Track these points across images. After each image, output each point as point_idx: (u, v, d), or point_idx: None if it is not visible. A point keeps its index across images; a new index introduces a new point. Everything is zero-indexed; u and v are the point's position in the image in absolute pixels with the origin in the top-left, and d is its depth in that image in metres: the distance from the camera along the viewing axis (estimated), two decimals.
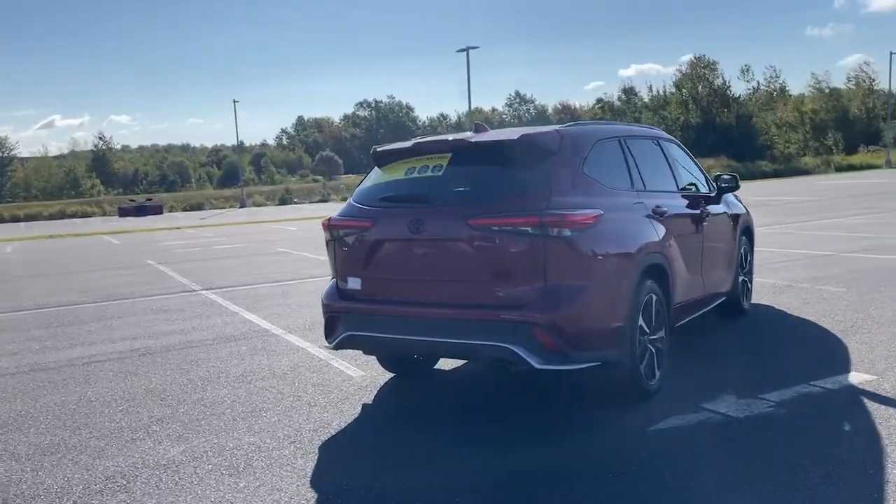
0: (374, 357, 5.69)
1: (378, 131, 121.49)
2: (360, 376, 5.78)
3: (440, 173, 4.64)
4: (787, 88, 70.87)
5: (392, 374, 5.69)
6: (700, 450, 4.03)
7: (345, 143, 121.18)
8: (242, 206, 50.16)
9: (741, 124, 55.68)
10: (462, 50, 34.83)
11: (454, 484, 3.74)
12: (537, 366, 4.12)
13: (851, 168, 47.48)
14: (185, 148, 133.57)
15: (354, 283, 4.87)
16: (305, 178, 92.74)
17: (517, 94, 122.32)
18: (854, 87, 69.85)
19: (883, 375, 5.10)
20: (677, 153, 6.29)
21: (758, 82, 67.20)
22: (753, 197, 23.84)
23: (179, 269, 14.10)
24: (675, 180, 5.91)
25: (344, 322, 4.88)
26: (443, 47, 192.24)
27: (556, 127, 4.79)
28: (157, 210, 46.69)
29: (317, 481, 3.88)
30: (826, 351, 5.84)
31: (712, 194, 6.46)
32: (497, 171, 4.55)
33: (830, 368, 5.32)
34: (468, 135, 4.88)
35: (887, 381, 4.98)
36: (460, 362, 5.89)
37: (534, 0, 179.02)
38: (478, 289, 4.35)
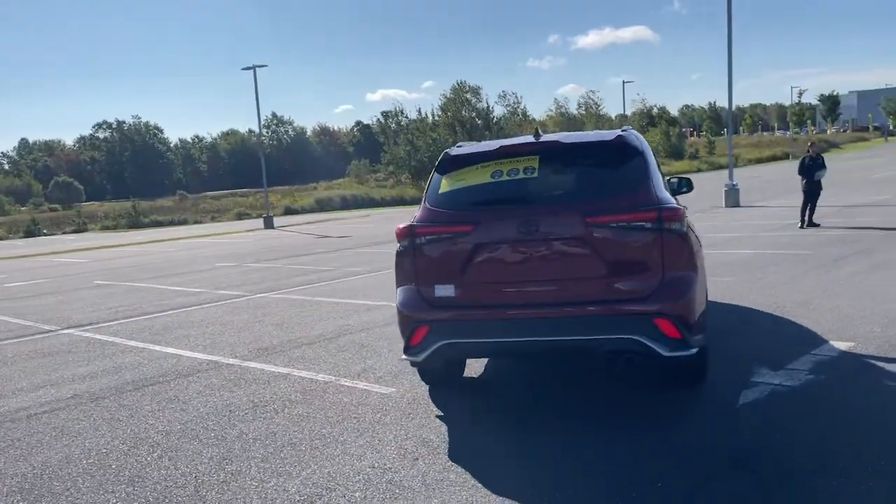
0: (368, 372, 5.48)
1: (123, 154, 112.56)
2: (394, 392, 5.55)
3: (534, 175, 4.66)
4: (528, 113, 77.48)
5: (423, 386, 5.55)
6: (799, 411, 4.49)
7: (83, 168, 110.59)
8: None
9: None
10: (248, 68, 33.63)
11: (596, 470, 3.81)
12: (665, 354, 4.31)
13: None
14: None
15: (446, 291, 4.68)
16: (41, 208, 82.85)
17: (274, 115, 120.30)
18: (584, 113, 78.70)
19: (857, 341, 6.00)
20: None
21: (513, 107, 72.57)
22: None
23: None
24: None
25: (436, 332, 4.66)
26: (196, 66, 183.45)
27: (623, 129, 5.03)
28: None
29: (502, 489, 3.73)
30: (787, 328, 6.70)
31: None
32: (594, 170, 4.69)
33: (811, 342, 6.13)
34: (557, 136, 4.96)
35: (863, 346, 5.87)
36: (479, 369, 5.88)
37: (285, 25, 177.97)
38: (595, 285, 4.45)
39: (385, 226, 25.09)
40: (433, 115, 62.60)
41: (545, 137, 4.99)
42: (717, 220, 17.62)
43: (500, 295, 4.61)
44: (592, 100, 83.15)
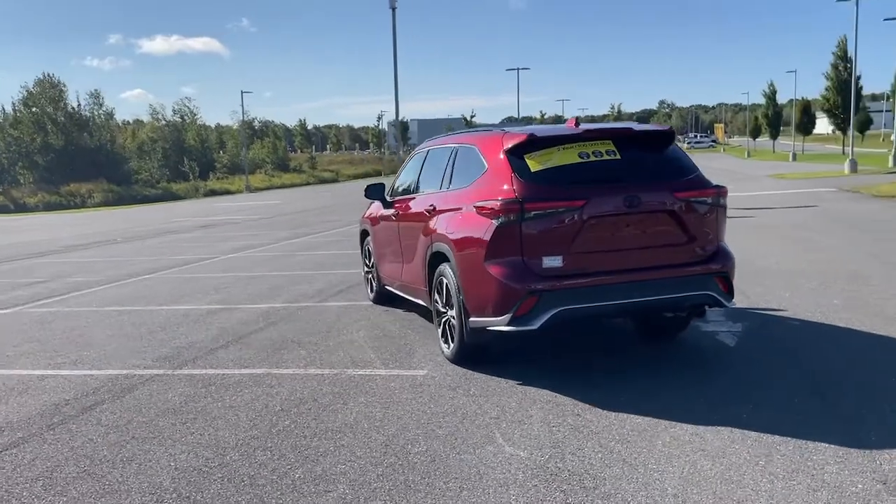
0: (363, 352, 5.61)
1: None
2: (426, 374, 5.60)
3: (617, 157, 5.28)
4: (113, 114, 71.47)
5: (444, 366, 5.74)
6: (766, 340, 5.94)
7: None
8: None
9: (104, 149, 54.49)
10: None
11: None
12: (728, 305, 5.37)
13: (214, 193, 51.97)
14: None
15: (553, 261, 5.02)
16: None
17: None
18: (180, 120, 75.76)
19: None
20: None
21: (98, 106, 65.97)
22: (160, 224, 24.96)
23: None
24: None
25: (547, 301, 4.97)
26: None
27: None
28: None
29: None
30: None
31: None
32: (657, 154, 5.48)
33: None
34: (626, 124, 5.57)
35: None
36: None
37: None
38: (677, 250, 5.27)
39: None
40: (13, 108, 54.23)
41: (616, 125, 5.65)
42: None
43: (602, 262, 5.14)
44: (188, 107, 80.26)
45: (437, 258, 5.97)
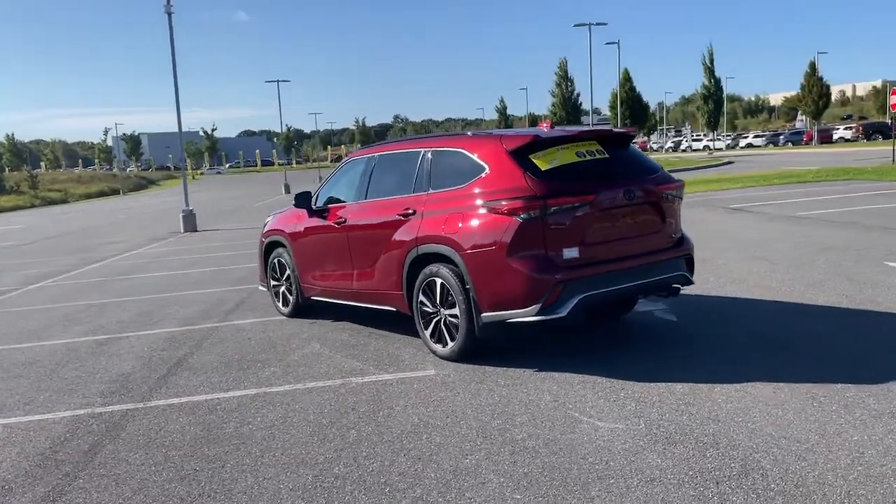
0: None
1: None
2: (438, 374, 5.73)
3: (606, 155, 5.82)
4: None
5: (445, 365, 5.92)
6: (697, 313, 6.90)
7: None
8: None
9: None
10: None
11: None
12: (693, 282, 6.18)
13: None
14: None
15: (572, 252, 5.41)
16: None
17: None
18: None
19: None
20: None
21: None
22: None
23: None
24: None
25: (570, 289, 5.35)
26: None
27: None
28: None
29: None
30: None
31: None
32: (628, 152, 6.11)
33: None
34: (605, 128, 6.06)
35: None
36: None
37: None
38: (658, 237, 5.94)
39: None
40: None
41: (599, 127, 6.16)
42: (207, 243, 18.46)
43: (608, 251, 5.64)
44: None
45: (424, 260, 6.07)
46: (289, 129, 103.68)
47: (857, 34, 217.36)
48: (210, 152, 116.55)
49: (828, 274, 8.43)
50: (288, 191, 45.31)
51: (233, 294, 10.13)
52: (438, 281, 5.93)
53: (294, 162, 74.82)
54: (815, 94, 61.46)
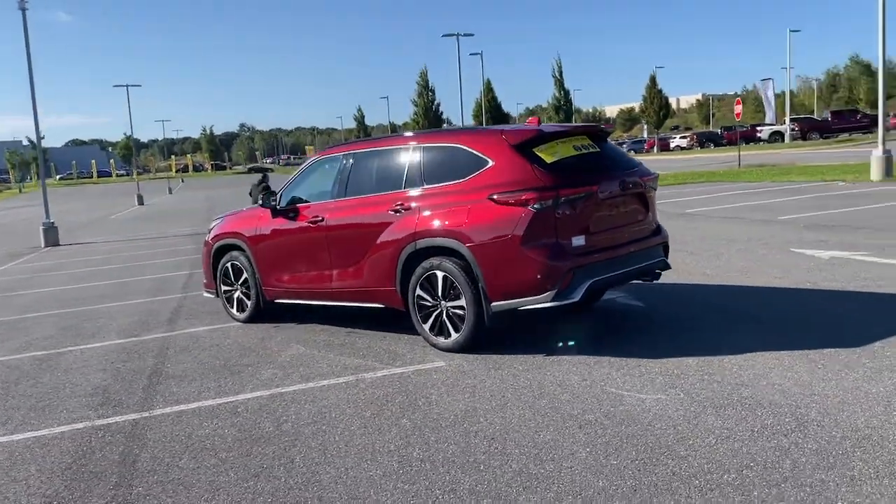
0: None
1: None
2: (449, 365, 5.80)
3: (596, 149, 6.15)
4: None
5: (452, 356, 6.03)
6: (658, 299, 7.42)
7: None
8: None
9: None
10: None
11: None
12: (671, 266, 6.66)
13: None
14: None
15: (579, 240, 5.67)
16: None
17: None
18: None
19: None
20: None
21: None
22: None
23: None
24: None
25: (581, 275, 5.61)
26: None
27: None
28: None
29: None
30: None
31: None
32: (611, 147, 6.50)
33: None
34: (592, 124, 6.34)
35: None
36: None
37: None
38: (643, 225, 6.33)
39: None
40: None
41: (587, 124, 6.46)
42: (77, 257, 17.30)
43: (608, 239, 5.95)
44: None
45: (423, 254, 6.12)
46: (128, 138, 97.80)
47: (682, 52, 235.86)
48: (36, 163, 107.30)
49: (749, 261, 9.27)
50: (141, 202, 42.90)
51: (159, 304, 9.60)
52: (440, 274, 6.01)
53: (135, 172, 70.55)
54: (657, 105, 66.29)
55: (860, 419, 4.11)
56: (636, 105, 75.89)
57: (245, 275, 7.80)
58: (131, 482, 4.02)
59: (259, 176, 16.33)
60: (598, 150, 6.23)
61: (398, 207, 6.32)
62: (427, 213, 6.13)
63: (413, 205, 6.23)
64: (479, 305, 5.84)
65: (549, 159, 5.84)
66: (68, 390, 5.92)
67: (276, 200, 7.44)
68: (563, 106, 67.22)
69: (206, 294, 8.67)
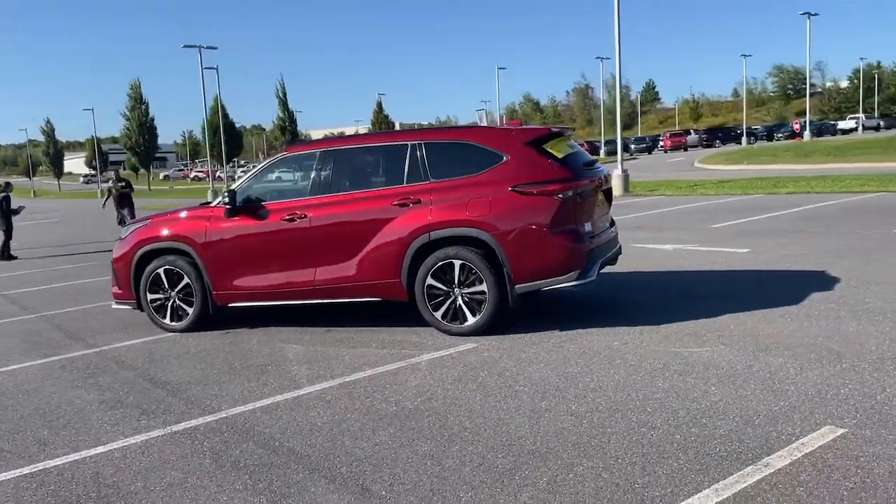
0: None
1: None
2: (481, 345, 6.04)
3: (577, 149, 6.88)
4: None
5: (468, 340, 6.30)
6: (618, 282, 8.36)
7: None
8: None
9: None
10: None
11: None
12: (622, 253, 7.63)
13: None
14: None
15: (588, 227, 6.38)
16: None
17: None
18: None
19: None
20: None
21: None
22: None
23: None
24: None
25: (594, 257, 6.34)
26: None
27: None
28: None
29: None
30: None
31: None
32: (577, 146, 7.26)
33: None
34: (563, 126, 6.96)
35: None
36: None
37: None
38: (608, 215, 7.17)
39: None
40: None
41: (562, 126, 7.06)
42: None
43: (598, 227, 6.66)
44: None
45: (436, 245, 6.33)
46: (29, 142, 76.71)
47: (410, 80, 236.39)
48: None
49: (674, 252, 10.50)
50: None
51: (41, 323, 8.31)
52: (458, 262, 6.27)
53: None
54: (384, 129, 69.19)
55: (878, 346, 5.29)
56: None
57: (186, 280, 7.21)
58: (259, 471, 3.81)
59: None
60: (577, 149, 7.01)
61: (405, 201, 6.43)
62: (441, 205, 6.35)
63: (424, 198, 6.40)
64: (503, 288, 6.21)
65: (559, 155, 6.48)
66: (63, 410, 5.11)
67: (230, 199, 7.01)
68: (288, 126, 67.27)
69: (114, 305, 7.78)
